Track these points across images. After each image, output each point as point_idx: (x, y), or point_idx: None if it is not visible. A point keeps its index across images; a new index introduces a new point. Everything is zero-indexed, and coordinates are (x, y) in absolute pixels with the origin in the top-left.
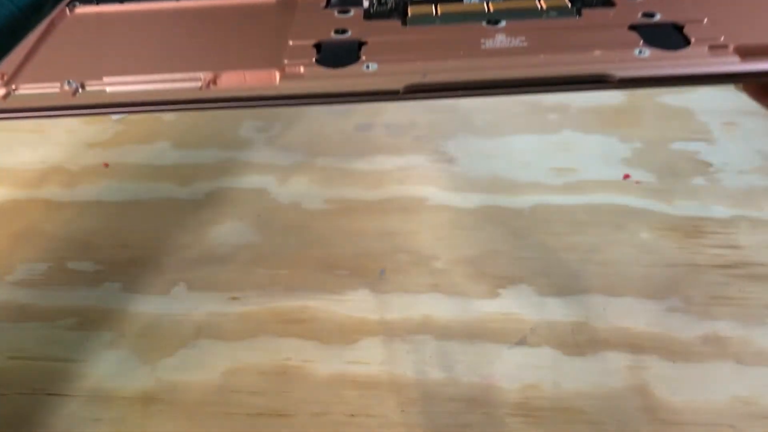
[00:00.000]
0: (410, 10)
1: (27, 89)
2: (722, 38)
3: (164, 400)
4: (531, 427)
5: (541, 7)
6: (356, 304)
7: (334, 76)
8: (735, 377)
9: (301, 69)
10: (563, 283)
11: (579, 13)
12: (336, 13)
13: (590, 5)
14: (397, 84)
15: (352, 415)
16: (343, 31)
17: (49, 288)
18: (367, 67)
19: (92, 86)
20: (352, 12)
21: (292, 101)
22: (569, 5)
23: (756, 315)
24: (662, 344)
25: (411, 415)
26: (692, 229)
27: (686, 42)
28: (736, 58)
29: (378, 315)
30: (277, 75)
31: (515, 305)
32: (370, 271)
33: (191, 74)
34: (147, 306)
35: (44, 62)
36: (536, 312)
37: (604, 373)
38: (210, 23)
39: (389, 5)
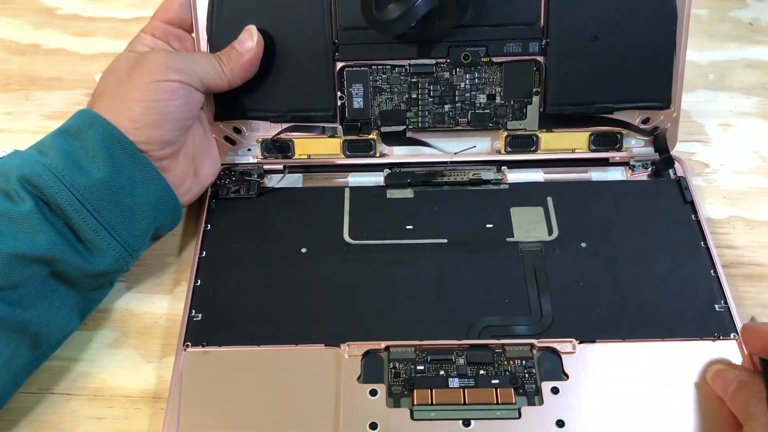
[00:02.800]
0: (415, 395)
1: None
2: None
3: (166, 399)
4: None
5: (497, 400)
6: None
7: None
8: None
9: None
10: None
11: (519, 414)
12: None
13: (519, 389)
14: None
15: None
16: (374, 426)
17: None
18: None
19: None
20: (378, 393)
21: None
22: (514, 401)
23: (753, 314)
24: None
25: None
26: None
27: None
28: None
29: None
30: None
31: None
32: None
33: None
34: (150, 305)
35: None
36: None
37: None
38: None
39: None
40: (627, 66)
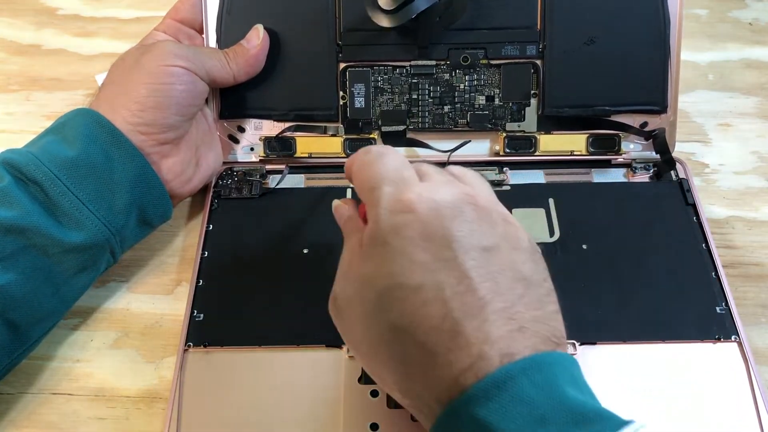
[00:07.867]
0: None
1: None
2: None
3: (167, 399)
4: None
5: None
6: None
7: None
8: None
9: None
10: None
11: None
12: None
13: None
14: None
15: None
16: (375, 427)
17: None
18: None
19: None
20: (379, 394)
21: None
22: None
23: (751, 315)
24: None
25: None
26: None
27: None
28: None
29: None
30: None
31: None
32: None
33: None
34: (151, 305)
35: None
36: None
37: None
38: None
39: None
40: (622, 70)
